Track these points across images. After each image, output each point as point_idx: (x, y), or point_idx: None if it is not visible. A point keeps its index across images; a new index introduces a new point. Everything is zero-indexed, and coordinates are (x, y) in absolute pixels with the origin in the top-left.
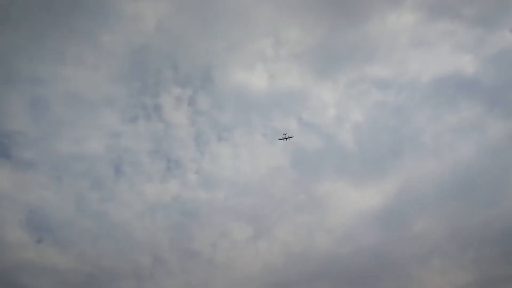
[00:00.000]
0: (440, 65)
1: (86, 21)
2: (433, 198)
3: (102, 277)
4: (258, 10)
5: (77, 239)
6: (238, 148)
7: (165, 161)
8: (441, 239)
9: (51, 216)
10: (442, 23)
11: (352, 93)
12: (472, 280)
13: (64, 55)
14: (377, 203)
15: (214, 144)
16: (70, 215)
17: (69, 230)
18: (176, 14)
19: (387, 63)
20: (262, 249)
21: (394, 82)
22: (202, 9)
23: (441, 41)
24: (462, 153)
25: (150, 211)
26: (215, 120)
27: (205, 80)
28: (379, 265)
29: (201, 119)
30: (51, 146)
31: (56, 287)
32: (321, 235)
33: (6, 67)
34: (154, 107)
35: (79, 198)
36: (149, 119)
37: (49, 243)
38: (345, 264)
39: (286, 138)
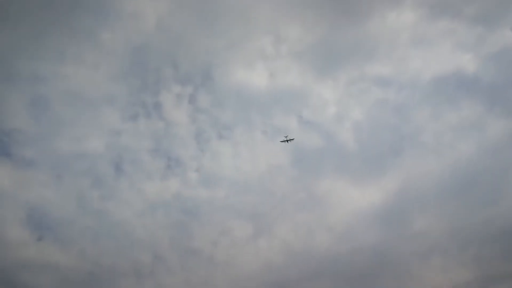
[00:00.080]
0: (440, 64)
1: (86, 19)
2: (433, 197)
3: (102, 275)
4: (258, 8)
5: (78, 237)
6: (238, 146)
7: (166, 159)
8: (441, 238)
9: (52, 214)
10: (443, 21)
11: (352, 92)
12: (472, 278)
13: (64, 53)
14: (377, 202)
15: (214, 142)
16: (70, 213)
17: (70, 228)
18: (176, 12)
19: (388, 61)
20: (262, 247)
21: (395, 81)
22: (202, 7)
23: (441, 40)
24: (462, 152)
25: (150, 209)
26: (216, 118)
27: (206, 78)
28: (379, 264)
29: (202, 117)
30: (51, 144)
31: (57, 285)
32: (321, 233)
33: (6, 65)
34: (154, 105)
35: (79, 196)
36: (149, 117)
37: (50, 241)
38: (345, 262)
39: (287, 140)
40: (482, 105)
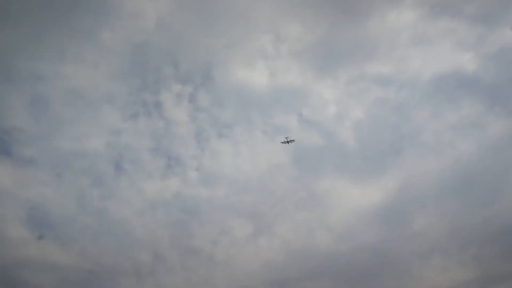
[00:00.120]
0: (440, 63)
1: (86, 18)
2: (433, 196)
3: (102, 274)
4: (258, 7)
5: (78, 236)
6: (238, 145)
7: (166, 158)
8: (441, 237)
9: (52, 213)
10: (443, 20)
11: (352, 91)
12: (472, 278)
13: (64, 52)
14: (377, 201)
15: (214, 141)
16: (70, 212)
17: (70, 227)
18: (176, 11)
19: (388, 60)
20: (262, 246)
21: (395, 80)
22: (202, 6)
23: (441, 39)
24: (462, 151)
25: (150, 208)
26: (216, 117)
27: (206, 77)
28: (379, 263)
29: (202, 116)
30: (51, 143)
31: (57, 283)
32: (321, 233)
33: (6, 64)
34: (154, 104)
35: (79, 195)
36: (150, 116)
37: (50, 240)
38: (345, 262)
39: (288, 142)
40: (482, 105)
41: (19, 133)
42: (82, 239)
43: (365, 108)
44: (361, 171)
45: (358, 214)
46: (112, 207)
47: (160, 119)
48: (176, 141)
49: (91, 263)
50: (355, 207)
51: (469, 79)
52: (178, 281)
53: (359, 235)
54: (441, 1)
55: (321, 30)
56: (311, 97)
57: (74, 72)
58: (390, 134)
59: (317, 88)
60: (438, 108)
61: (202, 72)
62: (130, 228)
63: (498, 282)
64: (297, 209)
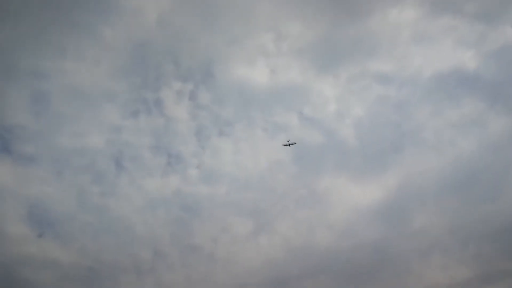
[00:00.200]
0: (441, 61)
1: (87, 15)
2: (434, 194)
3: (103, 271)
4: (259, 5)
5: (78, 233)
6: (239, 143)
7: (166, 155)
8: (442, 235)
9: (52, 211)
10: (444, 18)
11: (353, 88)
12: (472, 275)
13: (65, 49)
14: (377, 199)
15: (215, 139)
16: (71, 209)
17: (70, 224)
18: (177, 9)
19: (389, 58)
20: (263, 244)
21: (396, 78)
22: (203, 3)
23: (442, 37)
24: (463, 149)
25: (151, 206)
26: (216, 115)
27: (206, 75)
28: (380, 261)
29: (202, 113)
30: (52, 140)
31: (57, 281)
32: (322, 230)
33: (7, 61)
34: (155, 102)
35: (80, 192)
36: (150, 113)
37: (50, 237)
38: (346, 259)
39: (289, 144)
40: (483, 102)
41: (19, 130)
42: (83, 236)
43: (366, 106)
44: (362, 169)
45: (359, 212)
46: (112, 205)
47: (160, 117)
48: (177, 139)
49: (91, 261)
50: (356, 205)
51: (470, 77)
52: (179, 279)
53: (359, 232)
54: None
55: (322, 27)
56: (312, 95)
57: (74, 69)
58: (391, 132)
59: (317, 85)
60: (439, 106)
61: (202, 69)
62: (131, 226)
63: (498, 280)
64: (297, 206)
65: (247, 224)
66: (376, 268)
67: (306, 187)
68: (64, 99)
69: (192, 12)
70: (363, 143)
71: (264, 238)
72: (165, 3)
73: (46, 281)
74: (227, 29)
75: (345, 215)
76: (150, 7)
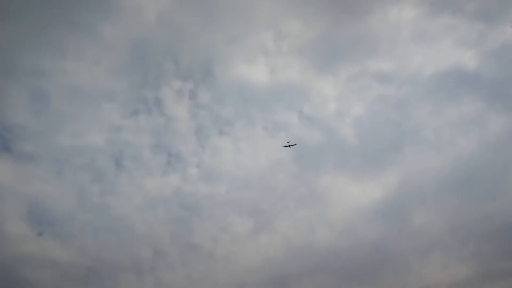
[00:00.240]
0: (441, 60)
1: (87, 14)
2: (434, 193)
3: (102, 270)
4: (259, 4)
5: (78, 232)
6: (239, 142)
7: (166, 155)
8: (442, 234)
9: (52, 209)
10: (444, 17)
11: (353, 87)
12: (472, 274)
13: (65, 48)
14: (377, 197)
15: (215, 138)
16: (71, 208)
17: (70, 223)
18: (177, 7)
19: (389, 57)
20: (263, 243)
21: (396, 77)
22: (203, 2)
23: (442, 36)
24: (462, 148)
25: (150, 205)
26: (216, 114)
27: (206, 74)
28: (380, 259)
29: (202, 112)
30: (52, 139)
31: (57, 280)
32: (322, 229)
33: (7, 60)
34: (154, 101)
35: (80, 191)
36: (150, 112)
37: (50, 236)
38: (346, 258)
39: (289, 146)
40: (483, 101)
41: (19, 129)
42: (82, 235)
43: (366, 104)
44: (362, 168)
45: (359, 211)
46: (112, 204)
47: (160, 116)
48: (177, 138)
49: (91, 260)
50: (356, 204)
51: (469, 76)
52: (178, 278)
53: (359, 231)
54: None
55: (322, 26)
56: (312, 94)
57: (74, 69)
58: (391, 131)
59: (317, 84)
60: (438, 105)
61: (202, 68)
62: (130, 225)
63: (498, 278)
64: (297, 205)
65: (247, 223)
66: (376, 267)
67: (306, 186)
68: (64, 98)
69: (192, 11)
70: (363, 142)
71: (264, 237)
72: (165, 2)
73: (45, 280)
74: (227, 28)
75: (345, 214)
76: (149, 6)
